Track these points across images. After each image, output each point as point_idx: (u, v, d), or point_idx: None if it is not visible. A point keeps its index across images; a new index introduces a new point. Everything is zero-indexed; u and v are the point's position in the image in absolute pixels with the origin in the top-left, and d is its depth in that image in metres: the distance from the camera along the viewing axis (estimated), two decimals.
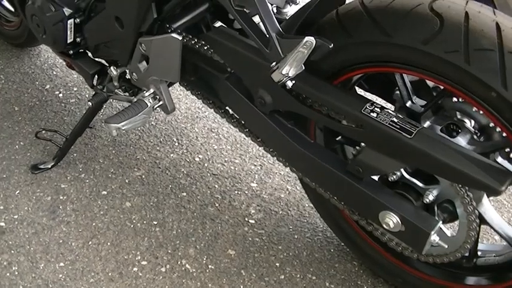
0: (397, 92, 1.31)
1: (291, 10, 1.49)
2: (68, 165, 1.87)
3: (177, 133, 2.01)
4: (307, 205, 1.79)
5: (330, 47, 1.13)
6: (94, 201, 1.76)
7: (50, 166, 1.84)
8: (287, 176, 1.85)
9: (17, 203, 1.75)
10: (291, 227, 1.73)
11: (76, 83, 2.19)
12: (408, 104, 1.28)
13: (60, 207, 1.75)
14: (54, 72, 2.29)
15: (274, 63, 1.20)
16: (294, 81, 1.20)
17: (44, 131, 1.93)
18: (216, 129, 2.04)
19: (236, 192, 1.82)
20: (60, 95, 2.18)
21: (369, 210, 1.30)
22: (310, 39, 1.11)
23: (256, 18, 1.23)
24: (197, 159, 1.93)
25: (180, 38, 1.36)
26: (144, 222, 1.71)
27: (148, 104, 1.52)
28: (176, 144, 1.97)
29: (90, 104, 1.68)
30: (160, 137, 2.00)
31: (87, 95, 2.16)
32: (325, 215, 1.59)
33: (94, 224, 1.70)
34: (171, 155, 1.94)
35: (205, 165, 1.91)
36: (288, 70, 1.16)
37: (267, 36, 1.20)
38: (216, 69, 1.45)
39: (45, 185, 1.81)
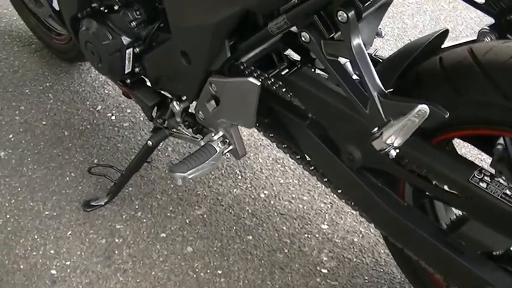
0: (499, 147, 1.12)
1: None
2: (123, 202, 1.74)
3: (240, 164, 1.85)
4: (382, 251, 1.64)
5: (446, 116, 0.95)
6: (152, 245, 1.62)
7: (103, 203, 1.71)
8: (359, 216, 1.68)
9: (69, 247, 1.62)
10: (366, 278, 1.58)
11: (129, 104, 2.06)
12: None
13: (116, 251, 1.61)
14: (106, 91, 2.15)
15: (376, 129, 1.02)
16: (398, 150, 1.03)
17: (97, 167, 1.76)
18: (281, 159, 1.88)
19: (306, 235, 1.67)
20: (113, 117, 2.03)
21: (468, 284, 1.13)
22: (424, 108, 0.93)
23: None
24: (262, 195, 1.77)
25: (259, 84, 1.19)
26: (208, 271, 1.57)
27: (217, 150, 1.37)
28: (239, 177, 1.82)
29: (150, 143, 1.52)
30: (221, 168, 1.85)
31: (141, 118, 2.02)
32: (407, 271, 1.43)
33: (153, 273, 1.57)
34: (234, 190, 1.79)
35: (272, 202, 1.75)
36: (394, 140, 0.98)
37: (366, 93, 1.02)
38: (296, 114, 1.29)
39: (99, 225, 1.68)
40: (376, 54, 1.34)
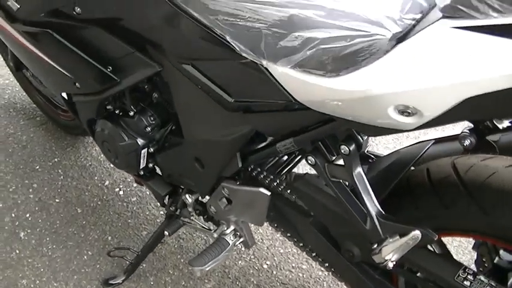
0: (482, 246, 1.33)
1: None
2: (139, 279, 1.92)
3: None
4: None
5: (435, 239, 1.15)
6: None
7: (121, 281, 1.89)
8: None
9: None
10: None
11: None
12: (496, 260, 1.30)
13: None
14: (112, 165, 2.30)
15: (375, 245, 1.22)
16: (395, 263, 1.23)
17: (115, 250, 1.94)
18: None
19: None
20: (121, 192, 2.21)
21: None
22: (416, 234, 1.14)
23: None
24: (265, 266, 1.96)
25: (269, 194, 1.38)
26: None
27: (230, 242, 1.56)
28: (243, 249, 2.00)
29: (167, 233, 1.71)
30: None
31: (147, 192, 2.19)
32: None
33: None
34: (239, 262, 1.97)
35: (274, 272, 1.94)
36: (391, 256, 1.18)
37: (365, 211, 1.22)
38: (299, 211, 1.48)
39: None
40: (368, 150, 1.54)
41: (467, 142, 1.35)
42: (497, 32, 0.86)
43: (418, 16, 1.04)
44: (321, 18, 1.07)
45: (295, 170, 1.58)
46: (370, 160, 1.47)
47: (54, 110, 2.45)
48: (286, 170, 1.52)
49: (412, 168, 1.35)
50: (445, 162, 1.27)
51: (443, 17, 0.92)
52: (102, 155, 2.37)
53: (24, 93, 2.67)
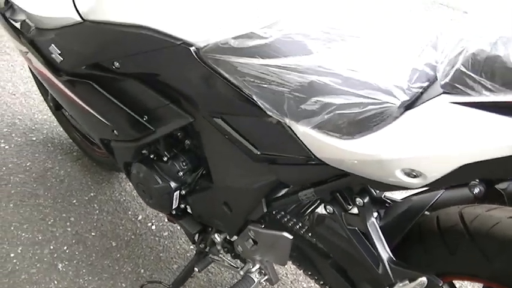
0: None
1: None
2: None
3: None
4: None
5: (440, 285, 1.29)
6: None
7: None
8: None
9: None
10: None
11: None
12: None
13: None
14: None
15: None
16: None
17: (148, 283, 2.09)
18: None
19: None
20: (153, 227, 2.36)
21: None
22: (423, 280, 1.27)
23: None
24: None
25: (291, 238, 1.53)
26: None
27: (255, 280, 1.70)
28: (268, 285, 2.13)
29: (197, 270, 1.86)
30: None
31: (178, 227, 2.34)
32: None
33: None
34: None
35: None
36: None
37: (378, 257, 1.36)
38: (320, 253, 1.61)
39: None
40: (385, 195, 1.68)
41: (476, 190, 1.48)
42: (489, 108, 1.01)
43: (425, 84, 1.18)
44: (337, 85, 1.21)
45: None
46: (386, 204, 1.60)
47: (90, 146, 2.61)
48: (307, 212, 1.65)
49: (426, 212, 1.48)
50: (453, 211, 1.40)
51: (444, 92, 1.07)
52: (135, 191, 2.53)
53: (61, 129, 2.85)
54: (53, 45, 1.72)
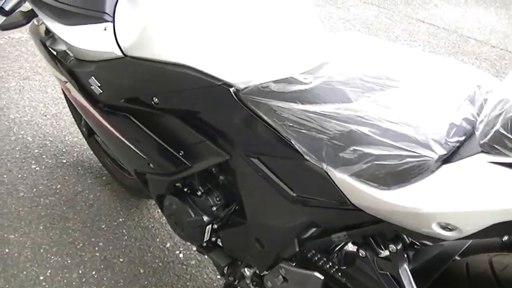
0: None
1: None
2: None
3: None
4: None
5: None
6: None
7: None
8: None
9: None
10: None
11: None
12: None
13: None
14: None
15: None
16: None
17: None
18: None
19: None
20: (181, 255, 2.41)
21: None
22: None
23: None
24: None
25: (322, 278, 1.57)
26: None
27: None
28: None
29: None
30: None
31: (205, 256, 2.39)
32: None
33: None
34: None
35: None
36: None
37: None
38: None
39: None
40: None
41: (505, 237, 1.52)
42: None
43: (462, 138, 1.23)
44: (376, 136, 1.26)
45: None
46: (415, 246, 1.64)
47: (120, 172, 2.67)
48: (336, 249, 1.70)
49: (457, 257, 1.52)
50: (483, 259, 1.44)
51: (482, 151, 1.12)
52: (164, 218, 2.59)
53: (91, 152, 2.92)
54: (93, 77, 1.79)
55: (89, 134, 2.51)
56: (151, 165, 1.82)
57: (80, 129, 2.74)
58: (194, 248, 2.42)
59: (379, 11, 4.90)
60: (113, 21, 1.69)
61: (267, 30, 1.50)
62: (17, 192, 2.70)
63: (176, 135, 1.72)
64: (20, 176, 2.81)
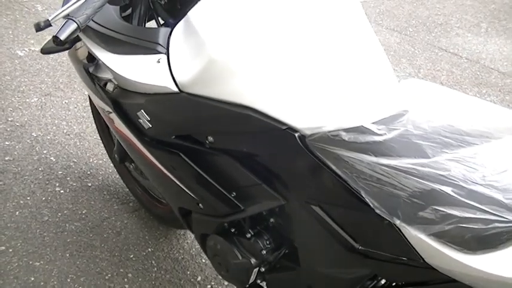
0: None
1: None
2: None
3: None
4: None
5: None
6: None
7: None
8: None
9: None
10: None
11: None
12: None
13: None
14: (203, 260, 2.48)
15: None
16: None
17: None
18: None
19: None
20: None
21: None
22: None
23: None
24: None
25: None
26: None
27: None
28: None
29: None
30: None
31: None
32: None
33: None
34: None
35: None
36: None
37: None
38: None
39: None
40: None
41: None
42: None
43: None
44: (460, 197, 1.21)
45: None
46: None
47: (150, 200, 2.62)
48: None
49: None
50: None
51: None
52: (194, 249, 2.54)
53: (117, 176, 2.87)
54: (142, 111, 1.73)
55: (121, 160, 2.45)
56: (200, 205, 1.77)
57: (109, 155, 2.69)
58: (226, 283, 2.36)
59: (402, 37, 4.87)
60: (167, 53, 1.62)
61: (337, 73, 1.45)
62: (41, 216, 2.64)
63: (229, 176, 1.68)
64: (43, 198, 2.74)
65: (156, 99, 1.65)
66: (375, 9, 5.69)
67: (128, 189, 2.79)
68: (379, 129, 1.38)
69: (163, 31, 1.66)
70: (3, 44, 4.07)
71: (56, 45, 1.50)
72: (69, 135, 3.20)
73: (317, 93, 1.44)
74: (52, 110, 3.40)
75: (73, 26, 1.47)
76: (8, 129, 3.22)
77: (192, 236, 2.50)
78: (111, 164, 2.86)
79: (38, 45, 4.12)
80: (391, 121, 1.40)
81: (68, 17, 1.48)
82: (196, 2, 1.67)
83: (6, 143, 3.11)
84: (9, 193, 2.80)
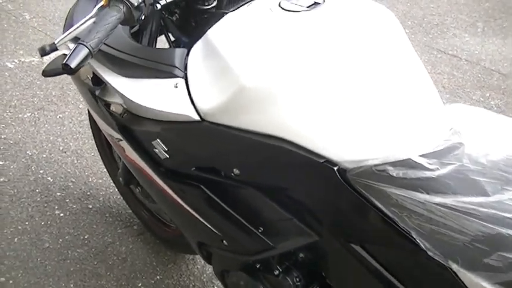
0: None
1: None
2: None
3: None
4: None
5: None
6: None
7: None
8: None
9: None
10: None
11: None
12: None
13: None
14: (216, 287, 2.33)
15: None
16: None
17: None
18: None
19: None
20: None
21: None
22: None
23: None
24: None
25: None
26: None
27: None
28: None
29: None
30: None
31: None
32: None
33: None
34: None
35: None
36: None
37: None
38: None
39: None
40: None
41: None
42: None
43: None
44: None
45: None
46: None
47: (157, 224, 2.48)
48: None
49: None
50: None
51: None
52: (205, 275, 2.41)
53: (118, 196, 2.71)
54: (158, 140, 1.59)
55: (126, 183, 2.29)
56: (224, 241, 1.62)
57: (111, 176, 2.54)
58: None
59: None
60: (185, 77, 1.47)
61: (380, 100, 1.34)
62: (42, 242, 2.50)
63: (256, 211, 1.56)
64: (43, 223, 2.60)
65: (174, 127, 1.51)
66: None
67: (130, 211, 2.62)
68: (430, 164, 1.25)
69: (179, 52, 1.51)
70: None
71: (66, 73, 1.34)
72: (65, 152, 3.04)
73: (359, 123, 1.32)
74: (46, 125, 3.24)
75: (84, 52, 1.31)
76: (2, 147, 3.06)
77: (202, 260, 2.34)
78: (112, 183, 2.69)
79: (28, 56, 3.95)
80: (443, 154, 1.26)
81: (78, 42, 1.32)
82: (214, 19, 1.54)
83: (1, 162, 2.96)
84: (7, 218, 2.64)
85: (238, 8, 1.57)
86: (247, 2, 1.59)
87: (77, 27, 1.45)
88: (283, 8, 1.43)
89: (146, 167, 1.73)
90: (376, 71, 1.34)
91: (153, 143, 1.63)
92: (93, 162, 3.00)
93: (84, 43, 1.32)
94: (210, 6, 1.65)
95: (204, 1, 1.64)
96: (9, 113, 3.35)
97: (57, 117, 3.35)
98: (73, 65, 1.29)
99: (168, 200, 1.73)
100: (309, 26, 1.38)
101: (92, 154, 3.01)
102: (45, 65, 1.80)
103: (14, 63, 3.87)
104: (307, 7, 1.44)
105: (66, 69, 1.29)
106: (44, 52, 1.45)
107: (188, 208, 1.67)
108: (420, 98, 1.40)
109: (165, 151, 1.61)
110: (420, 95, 1.40)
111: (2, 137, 3.18)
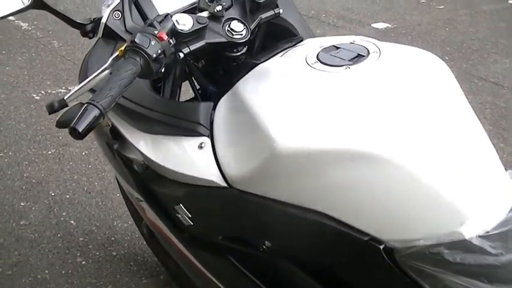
0: None
1: None
2: None
3: None
4: None
5: None
6: None
7: None
8: None
9: None
10: None
11: None
12: None
13: None
14: None
15: None
16: None
17: None
18: None
19: None
20: None
21: None
22: None
23: None
24: None
25: None
26: None
27: None
28: None
29: None
30: None
31: None
32: None
33: None
34: None
35: None
36: None
37: None
38: None
39: None
40: None
41: None
42: None
43: None
44: None
45: None
46: None
47: (184, 275, 2.27)
48: None
49: None
50: None
51: None
52: None
53: (143, 242, 2.54)
54: (181, 205, 1.40)
55: (151, 236, 2.11)
56: None
57: (139, 229, 2.35)
58: None
59: None
60: (211, 136, 1.29)
61: (431, 170, 1.14)
62: None
63: (290, 285, 1.39)
64: (63, 272, 2.45)
65: (199, 193, 1.35)
66: (406, 36, 5.35)
67: (156, 259, 2.44)
68: (492, 247, 1.06)
69: (204, 107, 1.34)
70: (18, 86, 3.79)
71: (74, 138, 1.16)
72: (90, 193, 2.88)
73: (407, 195, 1.15)
74: (71, 163, 3.09)
75: (94, 113, 1.13)
76: (24, 187, 2.90)
77: None
78: (137, 229, 2.51)
79: (55, 86, 3.85)
80: (509, 235, 1.05)
81: (88, 101, 1.13)
82: (244, 69, 1.39)
83: (22, 203, 2.79)
84: (25, 266, 2.49)
85: (271, 57, 1.39)
86: (282, 51, 1.41)
87: (89, 81, 1.28)
88: (322, 62, 1.24)
89: (169, 232, 1.55)
90: (430, 133, 1.19)
91: (176, 207, 1.46)
92: (119, 204, 2.82)
93: (95, 103, 1.14)
94: (239, 53, 1.46)
95: (232, 48, 1.45)
96: (33, 149, 3.22)
97: (83, 154, 3.21)
98: (81, 128, 1.12)
99: (192, 267, 1.56)
100: (354, 86, 1.19)
101: (118, 195, 2.83)
102: (60, 115, 1.61)
103: (40, 94, 3.75)
104: (349, 60, 1.24)
105: (74, 134, 1.11)
106: (52, 109, 1.29)
107: (214, 279, 1.50)
108: (479, 163, 1.20)
109: (189, 218, 1.43)
110: (479, 158, 1.20)
111: (25, 175, 3.04)
